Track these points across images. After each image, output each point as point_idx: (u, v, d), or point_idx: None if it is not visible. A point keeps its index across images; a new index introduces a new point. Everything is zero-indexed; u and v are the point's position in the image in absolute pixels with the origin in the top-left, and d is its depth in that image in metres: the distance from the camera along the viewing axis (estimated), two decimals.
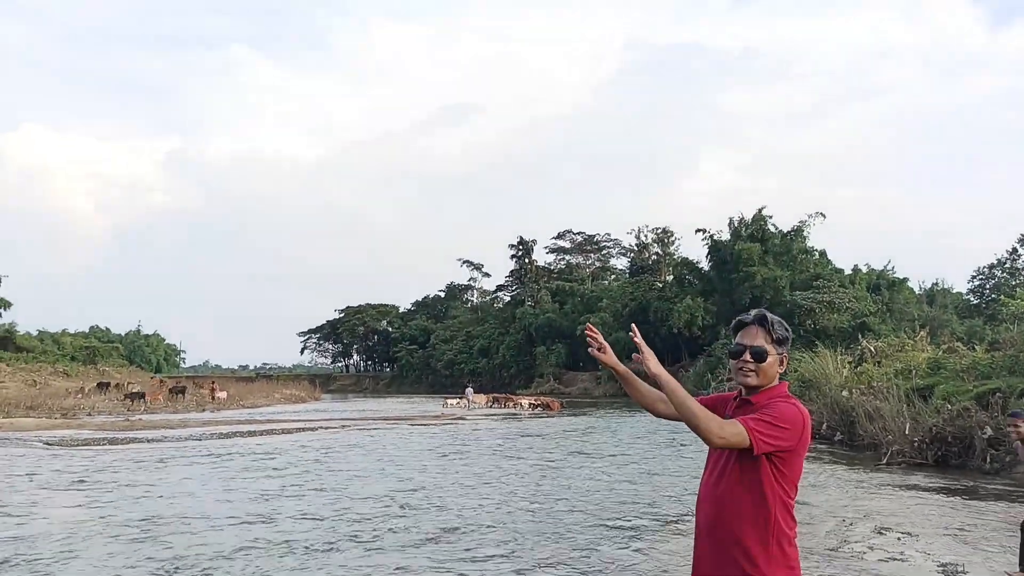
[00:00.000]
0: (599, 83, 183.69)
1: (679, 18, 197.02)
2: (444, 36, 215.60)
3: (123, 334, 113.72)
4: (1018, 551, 6.27)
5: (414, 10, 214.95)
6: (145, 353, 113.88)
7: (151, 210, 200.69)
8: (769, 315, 2.74)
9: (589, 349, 2.81)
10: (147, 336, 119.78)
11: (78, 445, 18.92)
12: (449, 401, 42.90)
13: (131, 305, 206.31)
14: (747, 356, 2.68)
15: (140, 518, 9.25)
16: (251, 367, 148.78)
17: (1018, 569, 6.22)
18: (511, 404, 40.81)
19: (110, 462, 15.23)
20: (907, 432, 15.27)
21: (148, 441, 20.06)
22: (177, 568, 6.94)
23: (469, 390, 45.71)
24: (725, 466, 2.64)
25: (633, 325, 2.61)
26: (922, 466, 14.28)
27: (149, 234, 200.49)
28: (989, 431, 13.49)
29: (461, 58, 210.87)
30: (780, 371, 2.72)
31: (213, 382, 54.37)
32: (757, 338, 2.69)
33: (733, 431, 2.46)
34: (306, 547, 7.81)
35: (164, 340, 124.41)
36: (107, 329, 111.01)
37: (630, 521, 9.22)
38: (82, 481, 12.51)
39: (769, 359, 2.67)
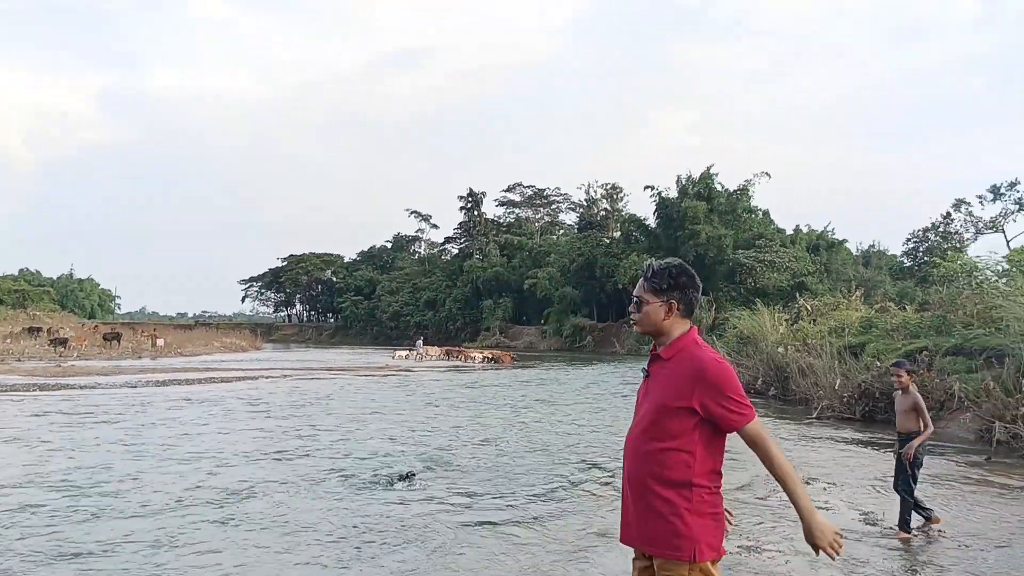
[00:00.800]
0: (556, 31, 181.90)
1: None
2: None
3: (55, 278, 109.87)
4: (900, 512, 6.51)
5: None
6: (78, 298, 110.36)
7: (85, 147, 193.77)
8: (654, 266, 2.82)
9: None
10: (80, 280, 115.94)
11: (7, 390, 18.27)
12: (399, 353, 42.76)
13: (63, 248, 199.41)
14: (631, 306, 2.84)
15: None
16: (190, 315, 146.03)
17: (898, 530, 6.46)
18: (462, 357, 40.95)
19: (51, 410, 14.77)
20: (837, 388, 15.79)
21: (80, 388, 19.50)
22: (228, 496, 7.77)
23: (420, 342, 45.61)
24: (648, 416, 2.69)
25: None
26: (850, 420, 14.81)
27: (82, 172, 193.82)
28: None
29: (415, 1, 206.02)
30: (668, 319, 2.75)
31: (154, 329, 53.12)
32: (639, 288, 2.82)
33: (766, 435, 2.63)
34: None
35: (99, 285, 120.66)
36: (38, 272, 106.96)
37: (580, 466, 9.36)
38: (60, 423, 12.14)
39: (646, 308, 2.77)
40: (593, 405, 17.79)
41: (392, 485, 8.34)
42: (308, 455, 10.23)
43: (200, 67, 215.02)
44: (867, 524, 6.79)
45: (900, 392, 6.68)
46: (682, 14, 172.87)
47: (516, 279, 73.44)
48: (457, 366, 36.26)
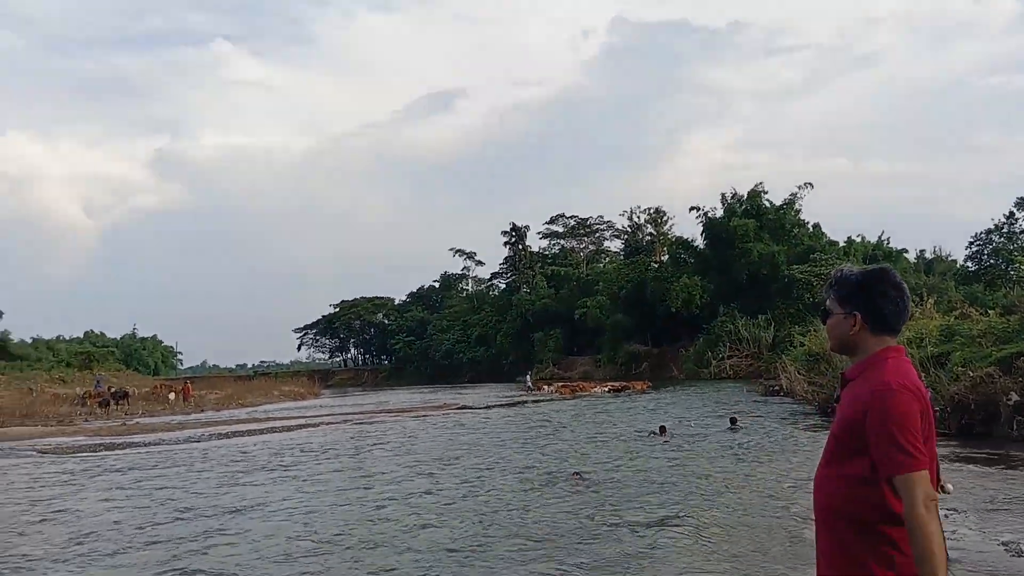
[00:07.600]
0: (587, 62, 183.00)
1: None
2: (427, 22, 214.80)
3: (119, 338, 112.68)
4: None
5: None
6: (142, 356, 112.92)
7: (141, 211, 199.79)
8: (841, 271, 2.51)
9: None
10: (143, 339, 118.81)
11: (79, 451, 18.40)
12: (545, 387, 42.58)
13: (126, 309, 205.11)
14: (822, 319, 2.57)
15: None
16: (249, 366, 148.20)
17: None
18: (578, 391, 39.49)
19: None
20: None
21: (145, 445, 19.57)
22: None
23: (529, 375, 47.25)
24: (829, 448, 2.40)
25: None
26: (945, 436, 13.82)
27: (140, 236, 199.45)
28: (1015, 397, 13.09)
29: (445, 43, 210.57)
30: (854, 332, 2.39)
31: (187, 381, 53.21)
32: (827, 300, 2.52)
33: (924, 491, 2.12)
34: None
35: (161, 342, 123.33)
36: (102, 334, 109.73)
37: None
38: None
39: (831, 320, 2.47)
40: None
41: None
42: None
43: (243, 126, 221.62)
44: (1013, 555, 6.11)
45: None
46: (713, 35, 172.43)
47: (565, 310, 72.81)
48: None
